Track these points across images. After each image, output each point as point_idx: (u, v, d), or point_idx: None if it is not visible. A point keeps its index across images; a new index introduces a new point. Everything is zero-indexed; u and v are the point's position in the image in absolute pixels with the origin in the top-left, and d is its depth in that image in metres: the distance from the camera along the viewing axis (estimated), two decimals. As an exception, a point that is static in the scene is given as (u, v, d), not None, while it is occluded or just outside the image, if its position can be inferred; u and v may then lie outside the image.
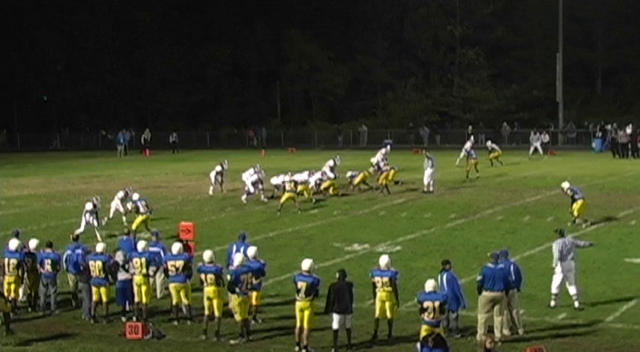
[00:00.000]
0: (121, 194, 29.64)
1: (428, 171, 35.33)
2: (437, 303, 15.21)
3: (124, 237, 21.06)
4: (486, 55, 69.80)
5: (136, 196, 28.61)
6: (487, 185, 38.16)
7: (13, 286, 18.80)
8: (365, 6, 73.58)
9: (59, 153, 64.84)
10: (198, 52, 76.02)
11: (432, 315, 15.19)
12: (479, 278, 16.42)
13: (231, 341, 16.73)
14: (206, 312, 17.13)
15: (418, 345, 13.05)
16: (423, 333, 14.93)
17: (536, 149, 52.87)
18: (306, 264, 16.36)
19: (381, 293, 16.60)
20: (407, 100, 71.89)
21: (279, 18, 75.52)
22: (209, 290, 17.08)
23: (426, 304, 15.24)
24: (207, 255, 17.48)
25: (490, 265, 16.42)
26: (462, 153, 41.14)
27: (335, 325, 16.09)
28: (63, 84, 76.86)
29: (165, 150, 63.16)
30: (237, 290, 16.80)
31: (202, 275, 17.19)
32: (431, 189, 35.20)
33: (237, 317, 16.85)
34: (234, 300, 16.99)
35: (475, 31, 69.54)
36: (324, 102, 76.58)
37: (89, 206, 27.38)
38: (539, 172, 42.96)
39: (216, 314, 17.04)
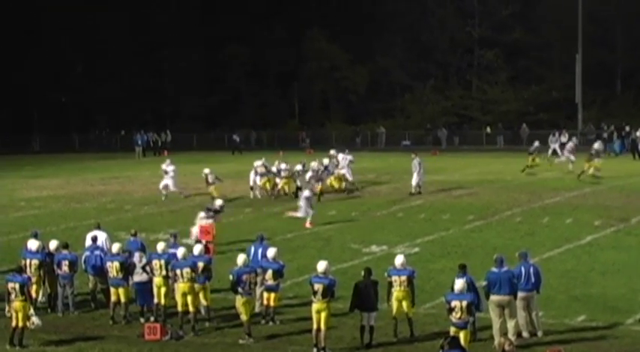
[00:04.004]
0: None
1: (417, 173, 35.43)
2: (464, 303, 15.20)
3: (131, 238, 20.85)
4: (505, 57, 69.62)
5: (207, 170, 34.70)
6: (505, 186, 38.04)
7: (34, 287, 18.85)
8: (384, 7, 73.50)
9: (78, 155, 65.10)
10: (217, 53, 76.15)
11: (459, 315, 15.19)
12: (484, 283, 16.38)
13: (240, 341, 16.80)
14: (180, 308, 17.49)
15: None
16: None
17: (554, 150, 52.66)
18: (321, 265, 16.42)
19: (397, 293, 16.63)
20: (425, 102, 71.80)
21: (298, 18, 75.56)
22: (184, 286, 17.43)
23: (453, 303, 15.24)
24: (180, 251, 17.95)
25: (494, 270, 16.33)
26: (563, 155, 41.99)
27: (364, 321, 16.22)
28: (82, 85, 77.16)
29: (183, 151, 63.29)
30: (239, 290, 16.89)
31: (177, 271, 17.55)
32: (419, 190, 35.23)
33: (243, 318, 16.92)
34: (237, 301, 17.07)
35: (494, 32, 69.39)
36: (343, 103, 76.55)
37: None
38: (557, 173, 42.77)
39: (191, 309, 17.37)
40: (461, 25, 71.12)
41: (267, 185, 36.02)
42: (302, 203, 28.92)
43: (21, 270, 17.63)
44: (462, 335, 14.93)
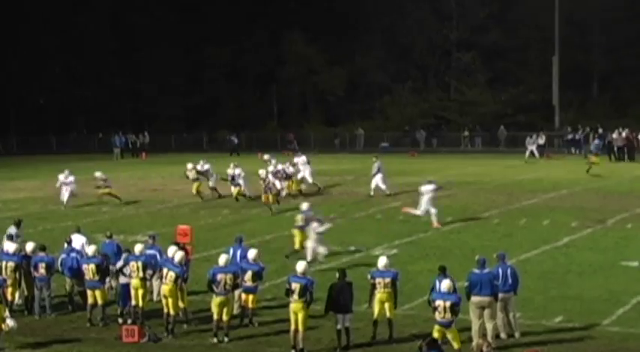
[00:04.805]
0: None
1: (379, 176, 35.50)
2: (448, 303, 15.26)
3: (107, 241, 20.63)
4: (483, 59, 69.83)
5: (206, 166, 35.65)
6: (483, 188, 38.19)
7: (10, 289, 18.74)
8: (362, 8, 73.56)
9: (56, 156, 64.66)
10: (196, 54, 75.94)
11: (442, 315, 15.26)
12: (465, 284, 16.43)
13: (212, 339, 16.89)
14: (165, 310, 17.49)
15: None
16: (435, 334, 15.09)
17: (532, 152, 52.94)
18: (300, 266, 16.46)
19: (381, 295, 16.65)
20: (404, 104, 71.91)
21: (277, 20, 75.44)
22: (165, 288, 17.44)
23: (437, 302, 15.32)
24: (178, 256, 17.84)
25: (476, 271, 16.40)
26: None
27: (339, 325, 16.22)
28: (60, 86, 76.74)
29: (162, 153, 63.09)
30: (214, 289, 16.96)
31: (165, 270, 17.59)
32: (387, 192, 35.40)
33: (214, 317, 17.01)
34: (212, 300, 17.16)
35: (471, 34, 69.57)
36: (321, 105, 76.55)
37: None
38: (535, 175, 42.99)
39: (171, 312, 17.33)
40: (438, 26, 71.29)
41: (199, 189, 35.54)
42: (423, 199, 28.47)
43: None
44: (450, 335, 15.07)
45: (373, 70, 73.28)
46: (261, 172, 33.52)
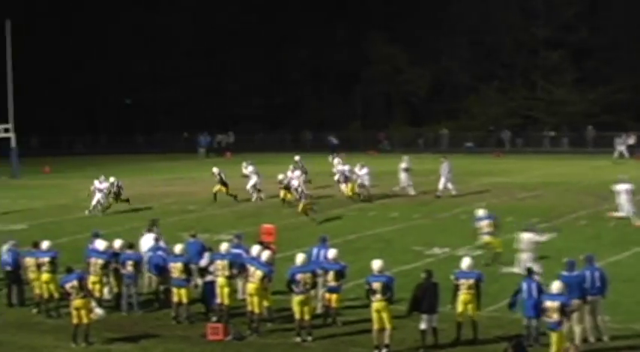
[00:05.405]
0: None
1: (444, 176, 35.20)
2: (556, 304, 15.03)
3: (191, 239, 20.87)
4: (571, 57, 68.61)
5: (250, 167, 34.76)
6: (570, 189, 37.51)
7: (97, 286, 19.11)
8: (447, 8, 72.97)
9: (142, 156, 65.80)
10: (279, 54, 76.44)
11: (550, 315, 15.05)
12: None
13: (297, 339, 16.98)
14: (249, 307, 17.70)
15: None
16: (554, 338, 14.94)
17: (621, 152, 51.85)
18: (376, 264, 16.55)
19: (464, 296, 16.52)
20: (489, 103, 71.12)
21: (359, 19, 75.45)
22: (251, 286, 17.56)
23: (547, 304, 15.11)
24: (265, 255, 18.04)
25: (565, 273, 16.15)
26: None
27: (423, 325, 16.12)
28: (146, 86, 78.09)
29: (245, 152, 63.61)
30: (294, 288, 17.06)
31: (252, 269, 17.69)
32: (453, 193, 34.97)
33: (296, 316, 17.14)
34: (293, 299, 17.28)
35: (559, 32, 68.42)
36: (405, 105, 76.22)
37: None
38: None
39: (256, 310, 17.50)
40: (525, 25, 70.30)
41: (220, 190, 35.73)
42: (622, 201, 28.19)
43: (70, 270, 17.75)
44: (554, 337, 14.79)
45: (458, 69, 72.66)
46: (294, 183, 32.81)
